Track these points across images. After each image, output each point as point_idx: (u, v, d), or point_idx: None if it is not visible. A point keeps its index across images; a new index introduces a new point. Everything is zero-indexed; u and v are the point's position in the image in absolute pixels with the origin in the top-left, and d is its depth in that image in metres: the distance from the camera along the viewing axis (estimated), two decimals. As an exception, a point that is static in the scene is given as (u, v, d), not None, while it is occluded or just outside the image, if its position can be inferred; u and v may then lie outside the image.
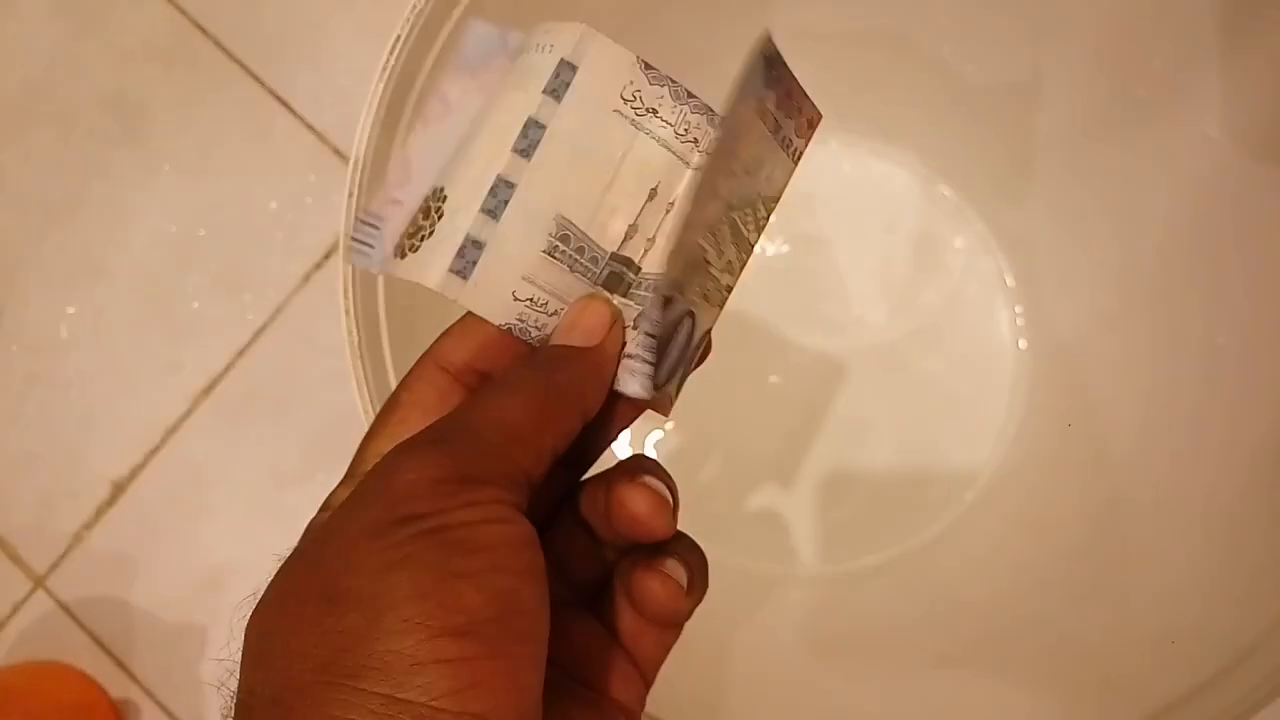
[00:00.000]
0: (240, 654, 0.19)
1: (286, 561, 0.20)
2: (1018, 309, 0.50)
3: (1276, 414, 0.37)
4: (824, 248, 0.51)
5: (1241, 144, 0.37)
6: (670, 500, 0.22)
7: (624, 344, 0.22)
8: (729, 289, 0.22)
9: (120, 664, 0.54)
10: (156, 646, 0.54)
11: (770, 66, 0.21)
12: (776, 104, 0.21)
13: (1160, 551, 0.39)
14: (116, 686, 0.54)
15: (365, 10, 0.56)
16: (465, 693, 0.17)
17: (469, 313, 0.22)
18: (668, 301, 0.21)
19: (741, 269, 0.22)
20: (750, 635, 0.46)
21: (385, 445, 0.21)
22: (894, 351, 0.51)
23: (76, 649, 0.54)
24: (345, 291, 0.30)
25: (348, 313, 0.30)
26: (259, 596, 0.20)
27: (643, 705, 0.24)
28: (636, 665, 0.24)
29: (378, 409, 0.27)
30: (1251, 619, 0.32)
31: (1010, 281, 0.50)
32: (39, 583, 0.55)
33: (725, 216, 0.21)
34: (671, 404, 0.22)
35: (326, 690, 0.17)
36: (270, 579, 0.20)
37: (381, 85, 0.31)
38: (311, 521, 0.22)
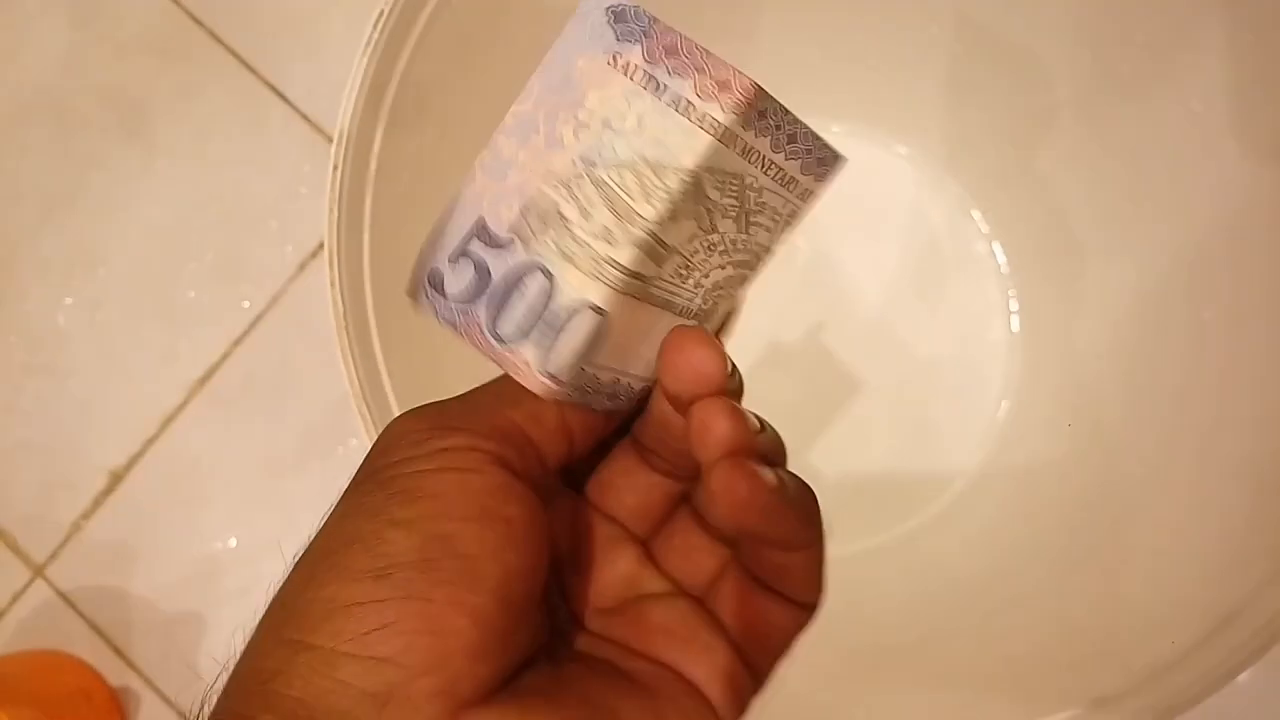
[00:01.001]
0: None
1: None
2: (1011, 293, 0.50)
3: (1260, 388, 0.37)
4: (817, 235, 0.51)
5: (1224, 118, 0.38)
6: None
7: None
8: (618, 265, 0.19)
9: (119, 652, 0.54)
10: (155, 635, 0.55)
11: (619, 20, 0.19)
12: (646, 58, 0.19)
13: (1149, 525, 0.39)
14: (115, 674, 0.54)
15: (358, 1, 0.57)
16: (371, 635, 0.17)
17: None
18: (489, 236, 0.20)
19: (644, 248, 0.20)
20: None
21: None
22: (887, 337, 0.51)
23: (75, 638, 0.54)
24: (331, 262, 0.30)
25: (334, 284, 0.30)
26: None
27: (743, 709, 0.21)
28: (746, 657, 0.21)
29: (364, 382, 0.28)
30: (1236, 586, 0.32)
31: (1004, 268, 0.50)
32: (38, 572, 0.55)
33: (586, 173, 0.19)
34: (546, 387, 0.20)
35: (260, 640, 0.18)
36: None
37: (365, 60, 0.31)
38: None
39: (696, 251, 0.21)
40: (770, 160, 0.20)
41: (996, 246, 0.50)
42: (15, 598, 0.55)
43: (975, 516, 0.48)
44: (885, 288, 0.51)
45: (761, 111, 0.19)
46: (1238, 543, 0.34)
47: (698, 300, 0.21)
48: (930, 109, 0.49)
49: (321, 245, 0.56)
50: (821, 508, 0.21)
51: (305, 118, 0.56)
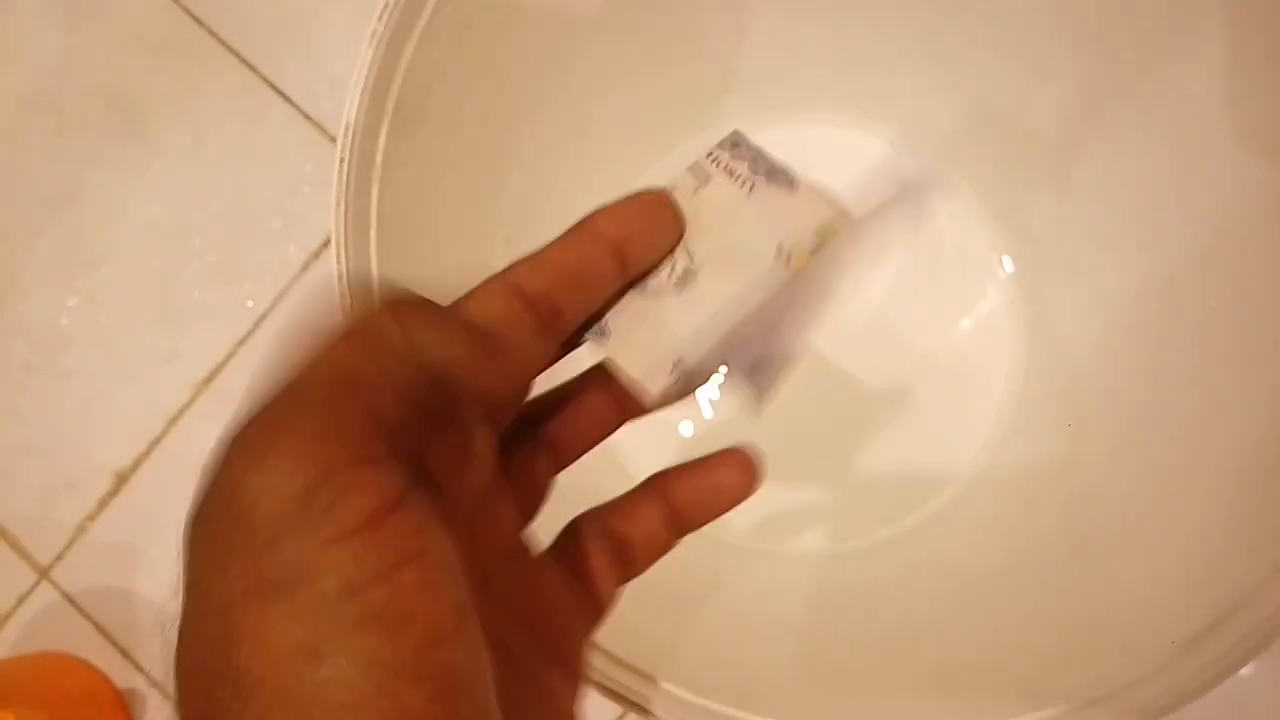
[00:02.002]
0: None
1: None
2: (1013, 289, 0.50)
3: (1266, 385, 0.37)
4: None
5: (1227, 102, 0.37)
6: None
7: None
8: None
9: (125, 654, 0.54)
10: (161, 635, 0.54)
11: None
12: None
13: (1153, 520, 0.39)
14: (122, 676, 0.54)
15: (358, -3, 0.57)
16: None
17: (543, 247, 0.22)
18: None
19: None
20: (751, 611, 0.46)
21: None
22: (889, 333, 0.51)
23: (81, 639, 0.54)
24: (338, 256, 0.30)
25: (340, 278, 0.30)
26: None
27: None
28: (589, 618, 0.23)
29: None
30: (1240, 578, 0.32)
31: (1007, 264, 0.50)
32: (43, 574, 0.55)
33: None
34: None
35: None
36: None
37: (371, 53, 0.31)
38: None
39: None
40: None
41: (999, 243, 0.50)
42: (21, 600, 0.55)
43: (977, 513, 0.47)
44: (886, 284, 0.51)
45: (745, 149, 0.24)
46: (1243, 535, 0.34)
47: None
48: (931, 103, 0.49)
49: (325, 244, 0.56)
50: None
51: (306, 116, 0.56)
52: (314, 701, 0.15)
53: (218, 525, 0.16)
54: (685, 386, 0.22)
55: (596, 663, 0.33)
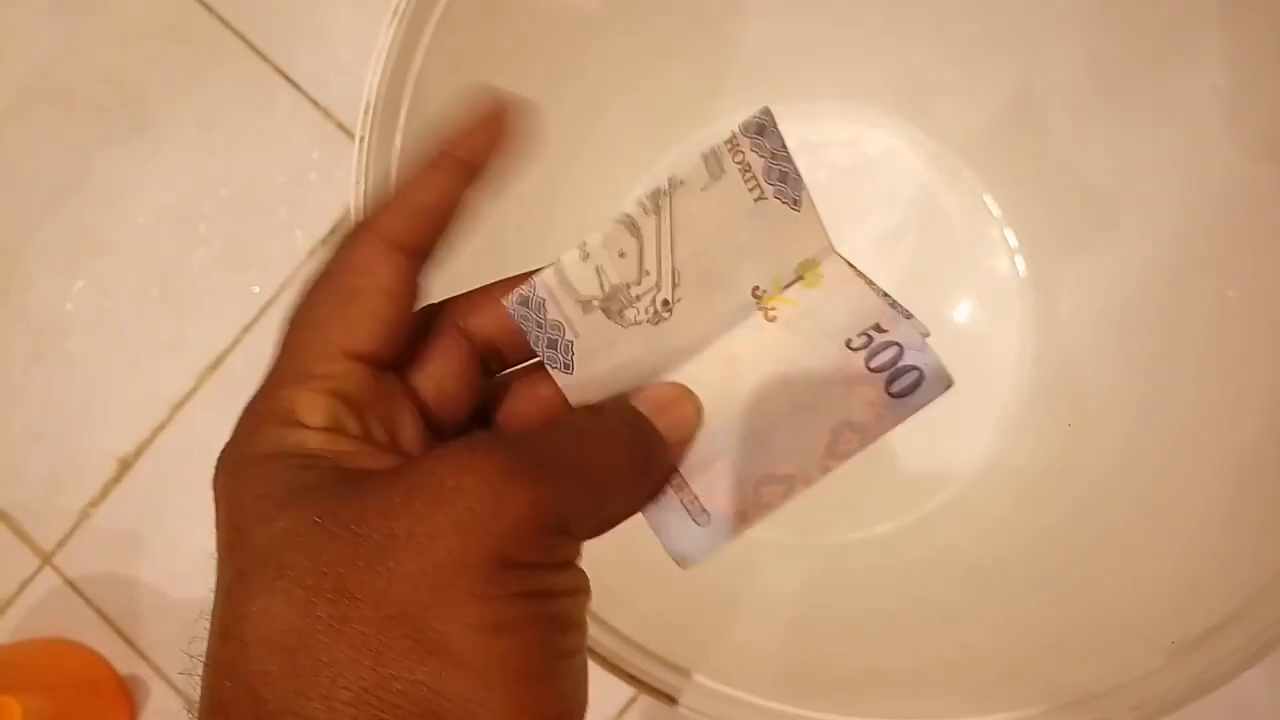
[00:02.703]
0: (248, 632, 0.16)
1: (315, 530, 0.16)
2: (1023, 280, 0.50)
3: (1275, 375, 0.38)
4: (826, 226, 0.51)
5: (1243, 100, 0.38)
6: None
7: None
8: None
9: (127, 640, 0.54)
10: (163, 622, 0.54)
11: None
12: None
13: (1167, 512, 0.39)
14: (123, 662, 0.54)
15: (367, -14, 0.57)
16: None
17: (398, 184, 0.21)
18: None
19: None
20: (756, 600, 0.46)
21: (350, 341, 0.19)
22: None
23: (83, 626, 0.54)
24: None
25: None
26: (264, 559, 0.17)
27: None
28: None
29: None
30: (1260, 567, 0.32)
31: (1018, 256, 0.50)
32: (46, 560, 0.55)
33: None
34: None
35: None
36: (264, 536, 0.17)
37: (391, 32, 0.31)
38: (276, 438, 0.19)
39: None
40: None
41: (1009, 234, 0.50)
42: (23, 585, 0.54)
43: (985, 508, 0.48)
44: (896, 276, 0.51)
45: (763, 139, 0.22)
46: (1248, 537, 0.34)
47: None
48: (944, 97, 0.49)
49: (332, 231, 0.56)
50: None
51: (314, 102, 0.56)
52: None
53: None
54: None
55: (606, 640, 0.33)
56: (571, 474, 0.18)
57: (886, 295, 0.22)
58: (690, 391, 0.22)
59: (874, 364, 0.21)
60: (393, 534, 0.16)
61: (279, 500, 0.17)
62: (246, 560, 0.17)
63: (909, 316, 0.22)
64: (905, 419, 0.21)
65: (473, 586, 0.16)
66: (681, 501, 0.21)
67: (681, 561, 0.21)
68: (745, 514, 0.22)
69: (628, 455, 0.19)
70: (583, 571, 0.18)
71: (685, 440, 0.22)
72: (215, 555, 0.18)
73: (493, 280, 0.22)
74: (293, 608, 0.16)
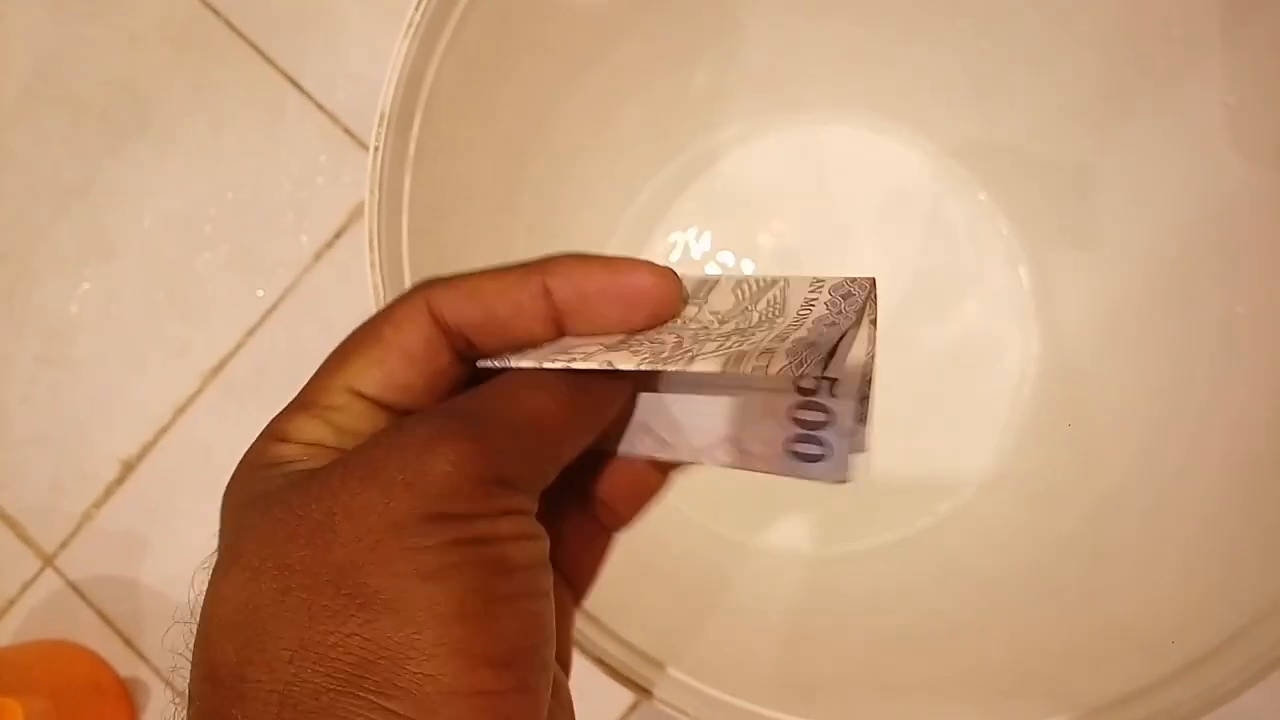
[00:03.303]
0: (207, 619, 0.17)
1: (268, 519, 0.17)
2: (1028, 290, 0.50)
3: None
4: (831, 228, 0.52)
5: (1256, 111, 0.38)
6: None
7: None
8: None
9: (129, 643, 0.54)
10: (165, 625, 0.54)
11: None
12: None
13: (1177, 520, 0.39)
14: (125, 665, 0.54)
15: (376, -8, 0.57)
16: None
17: (483, 272, 0.20)
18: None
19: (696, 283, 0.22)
20: (763, 608, 0.46)
21: (357, 381, 0.20)
22: (902, 333, 0.51)
23: (85, 628, 0.54)
24: (371, 244, 0.30)
25: (374, 266, 0.30)
26: (227, 552, 0.18)
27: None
28: (574, 590, 0.23)
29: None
30: (1269, 581, 0.32)
31: (1020, 263, 0.50)
32: (48, 562, 0.55)
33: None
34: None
35: (348, 701, 0.16)
36: (232, 533, 0.18)
37: (407, 42, 0.31)
38: (263, 452, 0.19)
39: (700, 319, 0.21)
40: (805, 323, 0.20)
41: (1016, 245, 0.50)
42: (25, 587, 0.55)
43: (994, 518, 0.48)
44: (900, 283, 0.51)
45: (847, 294, 0.21)
46: (1269, 536, 0.34)
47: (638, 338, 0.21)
48: (950, 108, 0.49)
49: (337, 235, 0.56)
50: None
51: (322, 108, 0.56)
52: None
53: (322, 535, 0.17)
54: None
55: (611, 649, 0.33)
56: (501, 427, 0.18)
57: (868, 365, 0.22)
58: (669, 273, 0.21)
59: (798, 415, 0.21)
60: (330, 511, 0.17)
61: (247, 502, 0.18)
62: (217, 558, 0.18)
63: (863, 399, 0.21)
64: (783, 475, 0.21)
65: (402, 541, 0.16)
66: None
67: None
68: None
69: (556, 402, 0.19)
70: (531, 519, 0.18)
71: (649, 313, 0.20)
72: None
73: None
74: (241, 589, 0.17)
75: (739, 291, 0.22)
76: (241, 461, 0.20)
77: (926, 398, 0.50)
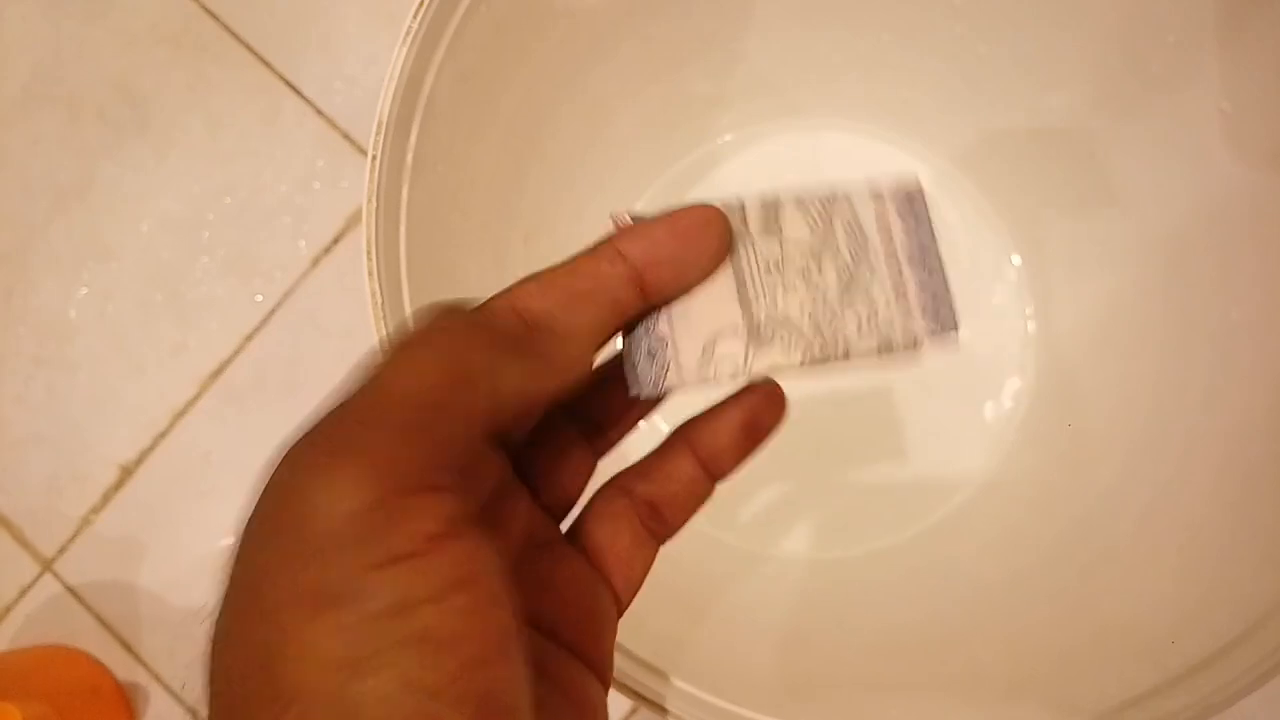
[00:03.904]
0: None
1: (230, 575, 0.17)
2: (1025, 293, 0.50)
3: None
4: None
5: (1252, 116, 0.38)
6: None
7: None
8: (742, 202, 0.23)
9: (127, 647, 0.54)
10: (163, 630, 0.54)
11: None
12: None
13: (1173, 523, 0.40)
14: (123, 669, 0.54)
15: (374, -5, 0.57)
16: None
17: (558, 265, 0.20)
18: None
19: (762, 206, 0.22)
20: (759, 613, 0.46)
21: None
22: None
23: (84, 632, 0.54)
24: (369, 252, 0.30)
25: (371, 274, 0.30)
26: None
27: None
28: (617, 597, 0.23)
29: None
30: (1267, 587, 0.32)
31: (1018, 266, 0.50)
32: (46, 566, 0.55)
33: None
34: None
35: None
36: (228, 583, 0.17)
37: (404, 50, 0.31)
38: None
39: (793, 260, 0.22)
40: (897, 255, 0.22)
41: (1011, 248, 0.50)
42: (24, 592, 0.54)
43: (989, 520, 0.48)
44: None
45: (909, 197, 0.23)
46: (1265, 541, 0.34)
47: (760, 312, 0.21)
48: (948, 112, 0.49)
49: (335, 240, 0.56)
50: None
51: (319, 112, 0.56)
52: (351, 714, 0.15)
53: (272, 529, 0.16)
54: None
55: (628, 669, 0.33)
56: (370, 420, 0.17)
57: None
58: (714, 211, 0.21)
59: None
60: (253, 575, 0.17)
61: None
62: None
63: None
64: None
65: (305, 622, 0.16)
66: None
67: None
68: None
69: (434, 360, 0.18)
70: (453, 529, 0.17)
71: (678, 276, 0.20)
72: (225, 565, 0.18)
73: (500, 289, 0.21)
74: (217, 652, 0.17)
75: (808, 216, 0.22)
76: None
77: (922, 402, 0.51)
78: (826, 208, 0.22)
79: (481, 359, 0.18)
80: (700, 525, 0.48)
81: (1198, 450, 0.40)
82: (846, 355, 0.22)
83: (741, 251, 0.21)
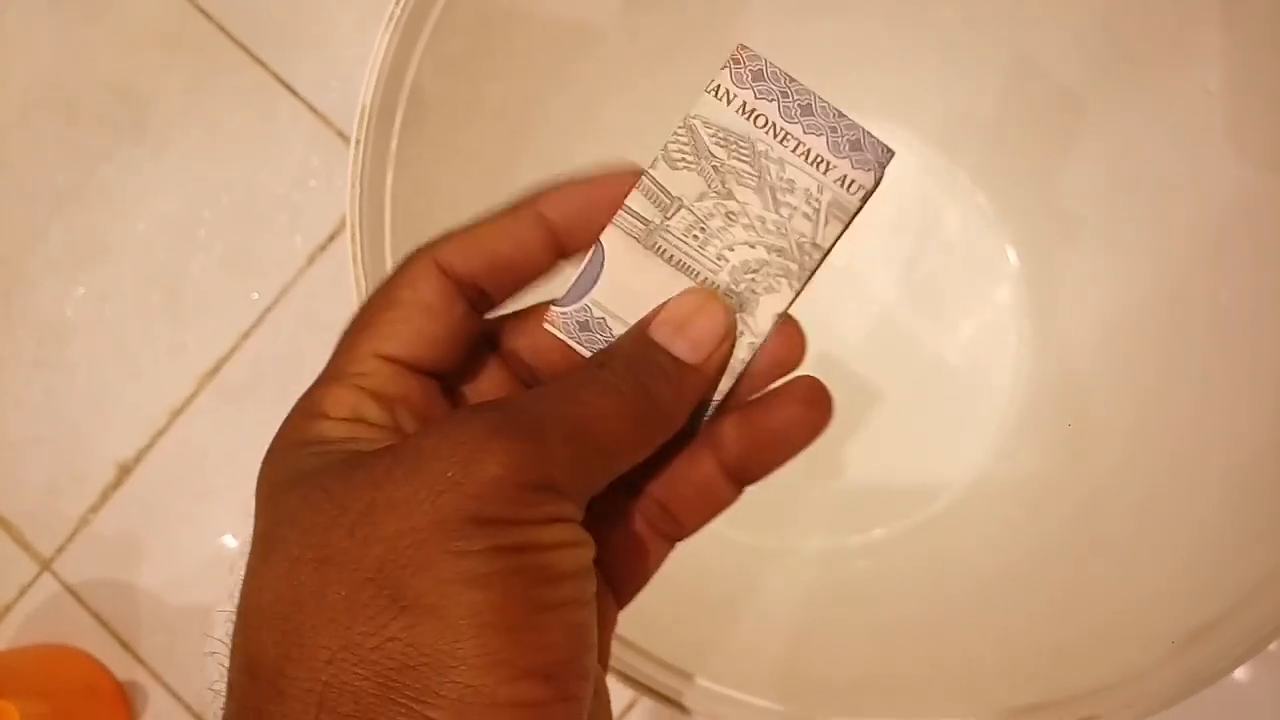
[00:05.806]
0: (246, 606, 0.17)
1: (308, 506, 0.17)
2: (1021, 286, 0.50)
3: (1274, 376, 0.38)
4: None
5: (1242, 100, 0.38)
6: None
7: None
8: (625, 206, 0.22)
9: (126, 646, 0.54)
10: (162, 629, 0.54)
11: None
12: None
13: (1169, 509, 0.39)
14: (122, 668, 0.54)
15: (368, -6, 0.57)
16: None
17: (481, 222, 0.21)
18: None
19: (645, 191, 0.22)
20: (750, 603, 0.46)
21: (384, 345, 0.20)
22: (895, 332, 0.51)
23: (82, 631, 0.54)
24: (353, 237, 0.30)
25: (356, 260, 0.30)
26: (265, 537, 0.17)
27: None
28: (615, 593, 0.22)
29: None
30: (1254, 566, 0.32)
31: (1013, 259, 0.50)
32: (45, 565, 0.55)
33: None
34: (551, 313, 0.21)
35: (387, 706, 0.16)
36: (270, 517, 0.18)
37: (387, 37, 0.31)
38: (301, 428, 0.19)
39: (712, 215, 0.21)
40: (783, 129, 0.21)
41: (1007, 244, 0.50)
42: (23, 591, 0.55)
43: (986, 511, 0.47)
44: (895, 282, 0.51)
45: (757, 72, 0.21)
46: (1257, 525, 0.34)
47: (724, 275, 0.21)
48: (942, 104, 0.49)
49: (331, 237, 0.56)
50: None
51: (314, 110, 0.56)
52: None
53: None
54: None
55: (630, 658, 0.33)
56: (557, 432, 0.18)
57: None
58: (714, 296, 0.21)
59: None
60: (373, 502, 0.16)
61: (287, 484, 0.18)
62: (253, 541, 0.18)
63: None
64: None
65: (446, 543, 0.16)
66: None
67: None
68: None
69: (618, 409, 0.19)
70: (577, 526, 0.18)
71: (714, 356, 0.20)
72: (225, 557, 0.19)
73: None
74: (280, 578, 0.17)
75: (684, 164, 0.21)
76: (277, 438, 0.19)
77: (919, 395, 0.50)
78: (688, 143, 0.21)
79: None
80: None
81: (1194, 443, 0.40)
82: (821, 249, 0.21)
83: (661, 241, 0.21)
